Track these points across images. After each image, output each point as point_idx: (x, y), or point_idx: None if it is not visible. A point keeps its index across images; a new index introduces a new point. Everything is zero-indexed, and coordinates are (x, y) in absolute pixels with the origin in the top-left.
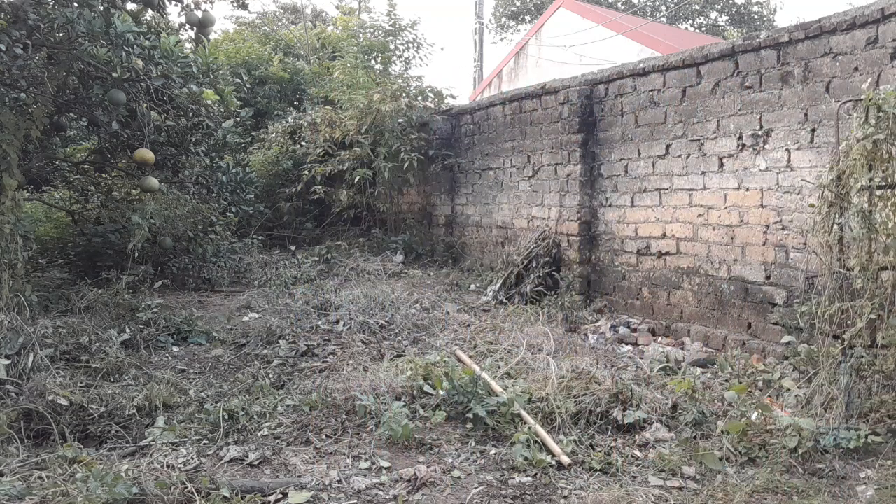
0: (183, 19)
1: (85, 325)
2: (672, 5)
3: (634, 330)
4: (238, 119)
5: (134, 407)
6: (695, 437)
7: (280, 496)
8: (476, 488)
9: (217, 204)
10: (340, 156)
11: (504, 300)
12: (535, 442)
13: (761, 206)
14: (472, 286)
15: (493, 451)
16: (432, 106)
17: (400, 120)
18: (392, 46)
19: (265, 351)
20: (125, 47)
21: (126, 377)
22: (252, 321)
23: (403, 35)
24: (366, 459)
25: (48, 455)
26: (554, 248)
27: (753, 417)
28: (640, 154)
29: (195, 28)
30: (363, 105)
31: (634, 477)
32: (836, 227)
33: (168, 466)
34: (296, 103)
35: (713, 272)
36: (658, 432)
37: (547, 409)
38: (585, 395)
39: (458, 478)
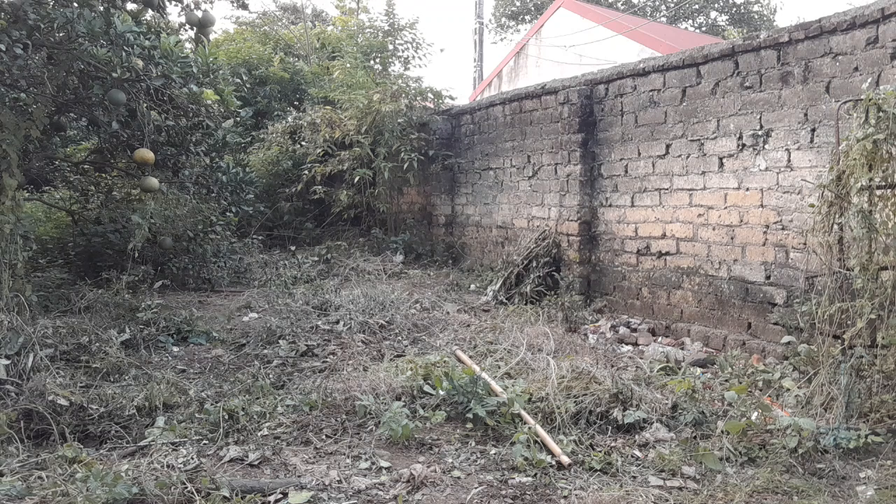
0: (183, 19)
1: (85, 325)
2: (672, 5)
3: (634, 330)
4: (238, 119)
5: (134, 407)
6: (695, 437)
7: (280, 496)
8: (476, 488)
9: (217, 204)
10: (340, 156)
11: (504, 300)
12: (535, 442)
13: (761, 206)
14: (472, 286)
15: (493, 451)
16: (432, 106)
17: (400, 120)
18: (391, 46)
19: (265, 351)
20: (125, 47)
21: (126, 377)
22: (252, 321)
23: (402, 35)
24: (366, 459)
25: (48, 455)
26: (554, 248)
27: (753, 417)
28: (640, 154)
29: (195, 28)
30: (363, 105)
31: (634, 477)
32: (836, 227)
33: (168, 466)
34: (296, 103)
35: (713, 272)
36: (658, 432)
37: (547, 409)
38: (585, 395)
39: (458, 478)
